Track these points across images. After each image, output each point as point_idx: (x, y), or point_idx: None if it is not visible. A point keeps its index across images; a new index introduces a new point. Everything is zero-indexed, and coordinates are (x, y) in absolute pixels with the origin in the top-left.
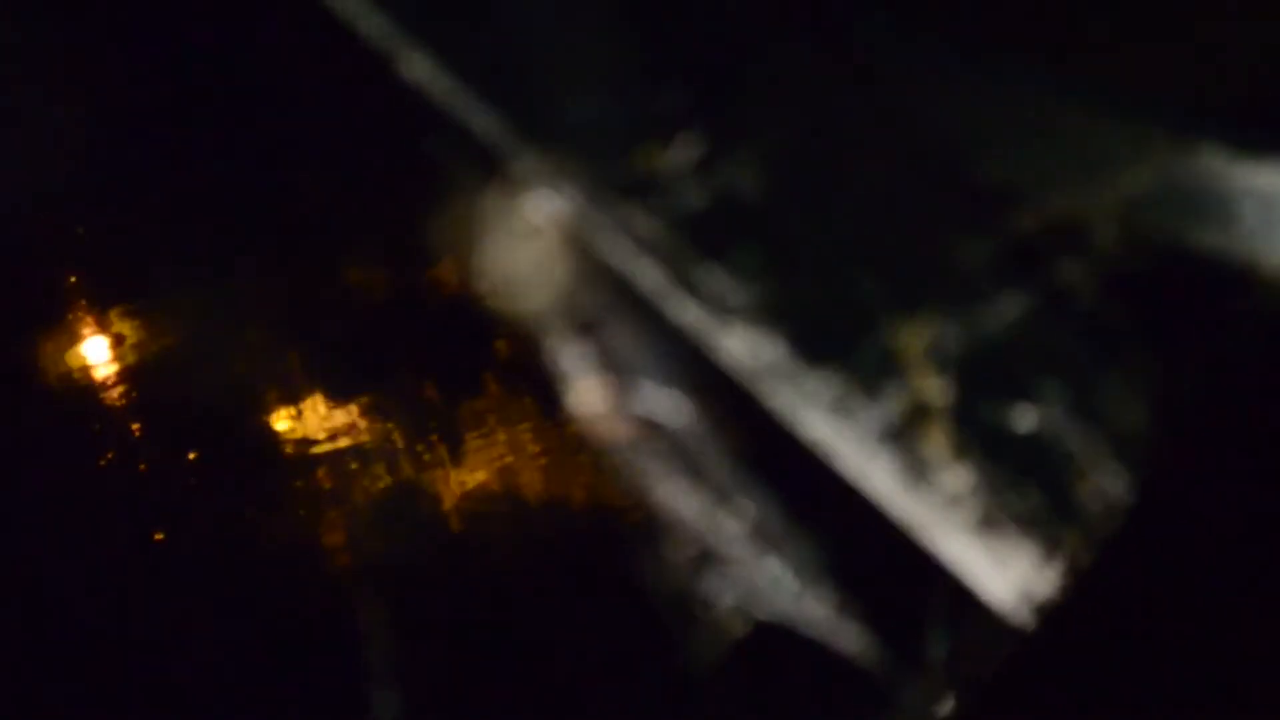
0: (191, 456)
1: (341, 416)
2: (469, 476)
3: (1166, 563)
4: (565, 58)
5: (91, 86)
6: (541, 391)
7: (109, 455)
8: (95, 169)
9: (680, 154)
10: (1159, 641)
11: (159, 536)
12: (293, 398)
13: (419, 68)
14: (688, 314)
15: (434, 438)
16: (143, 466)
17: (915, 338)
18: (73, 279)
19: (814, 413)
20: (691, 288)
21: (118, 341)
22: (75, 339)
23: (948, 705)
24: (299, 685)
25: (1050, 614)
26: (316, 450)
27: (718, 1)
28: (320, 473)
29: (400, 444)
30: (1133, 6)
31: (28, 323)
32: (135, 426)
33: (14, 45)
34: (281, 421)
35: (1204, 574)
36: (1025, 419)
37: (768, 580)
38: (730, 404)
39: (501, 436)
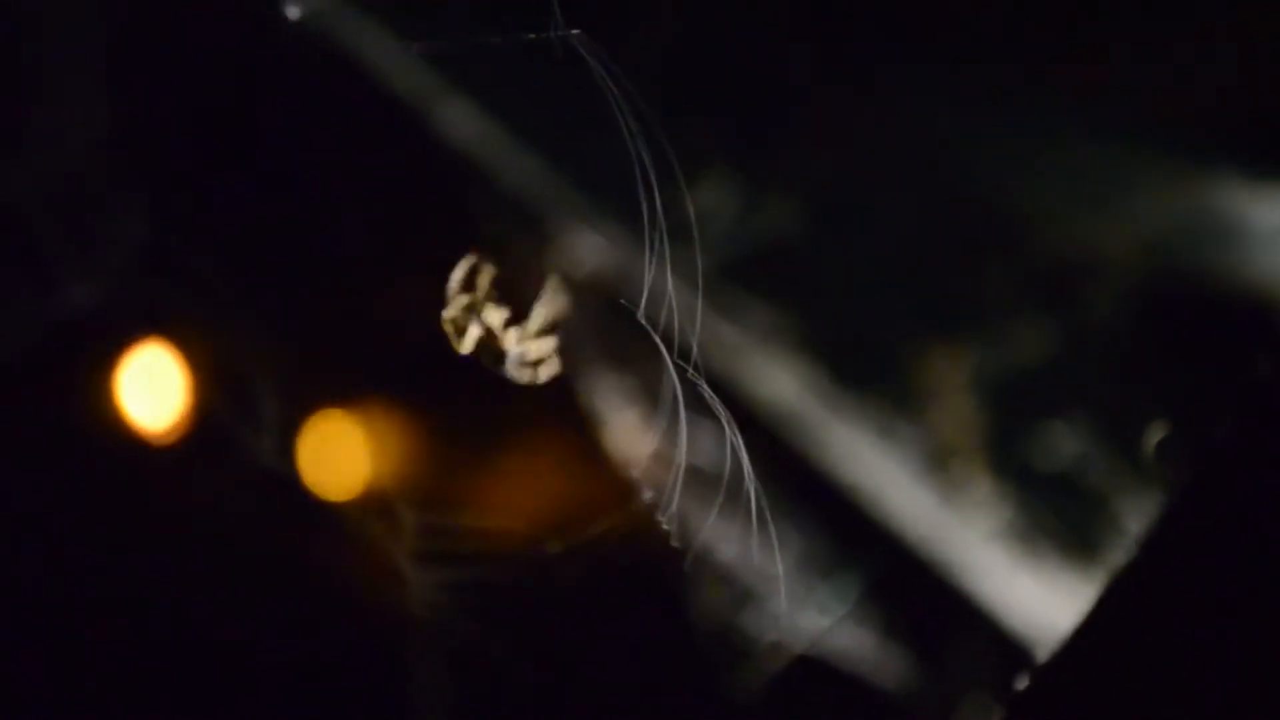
0: (228, 488)
1: (382, 456)
2: (508, 517)
3: (1196, 591)
4: (597, 102)
5: (131, 137)
6: (581, 431)
7: (147, 483)
8: (134, 213)
9: (712, 192)
10: (1190, 669)
11: (195, 567)
12: (332, 437)
13: (454, 120)
14: (724, 350)
15: (472, 479)
16: (180, 497)
17: (945, 369)
18: (113, 308)
19: (847, 445)
20: (726, 323)
21: (153, 370)
22: (110, 366)
23: None
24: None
25: (1083, 643)
26: (356, 487)
27: (747, 40)
28: (358, 509)
29: (438, 484)
30: (1153, 34)
31: (67, 348)
32: (178, 457)
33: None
34: (322, 460)
35: (1234, 602)
36: (1054, 449)
37: (805, 615)
38: (766, 438)
39: (541, 476)
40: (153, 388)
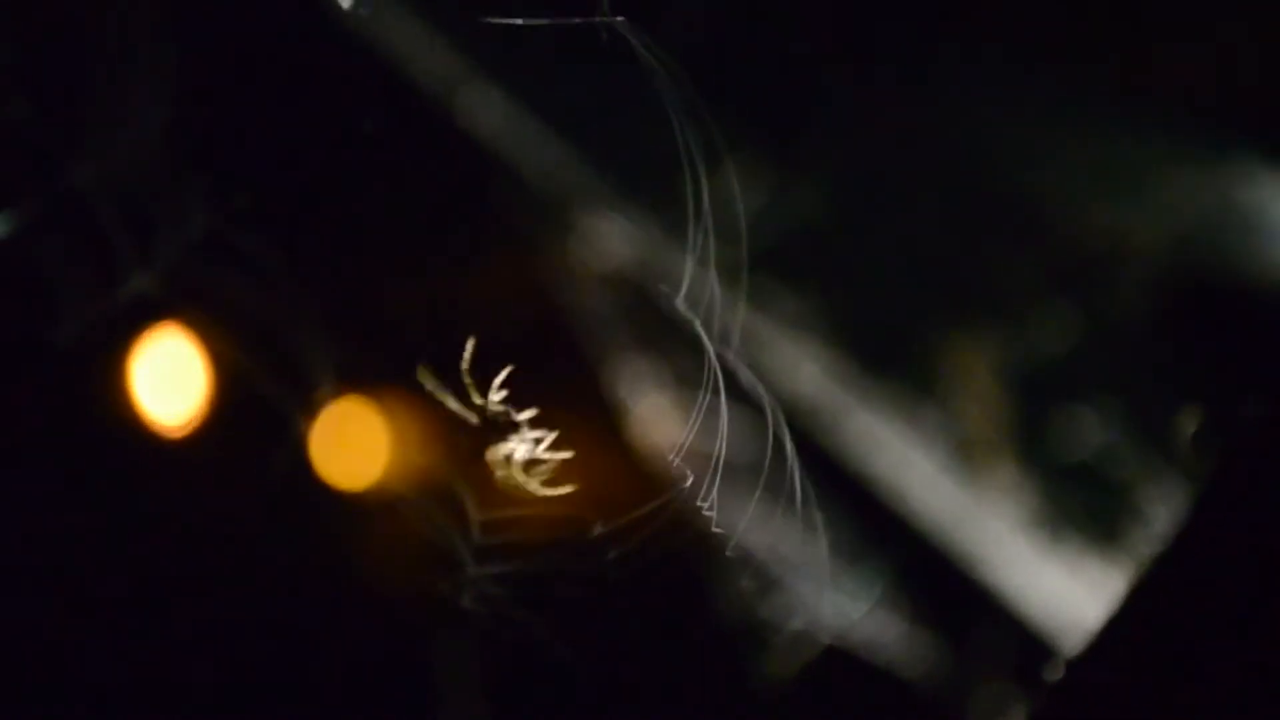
0: (275, 478)
1: (404, 444)
2: (533, 504)
3: (1225, 585)
4: (636, 89)
5: (189, 128)
6: (607, 419)
7: (193, 471)
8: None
9: (743, 180)
10: (1219, 665)
11: (217, 563)
12: (355, 430)
13: (494, 107)
14: (752, 339)
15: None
16: (225, 485)
17: (972, 358)
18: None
19: (873, 435)
20: (755, 313)
21: (207, 356)
22: (164, 351)
23: None
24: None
25: (1109, 637)
26: (378, 479)
27: (778, 31)
28: (382, 502)
29: (462, 472)
30: (1180, 26)
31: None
32: (225, 445)
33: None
34: (339, 452)
35: (1263, 594)
36: (1080, 439)
37: (833, 604)
38: (794, 429)
39: (566, 463)
40: (206, 373)
